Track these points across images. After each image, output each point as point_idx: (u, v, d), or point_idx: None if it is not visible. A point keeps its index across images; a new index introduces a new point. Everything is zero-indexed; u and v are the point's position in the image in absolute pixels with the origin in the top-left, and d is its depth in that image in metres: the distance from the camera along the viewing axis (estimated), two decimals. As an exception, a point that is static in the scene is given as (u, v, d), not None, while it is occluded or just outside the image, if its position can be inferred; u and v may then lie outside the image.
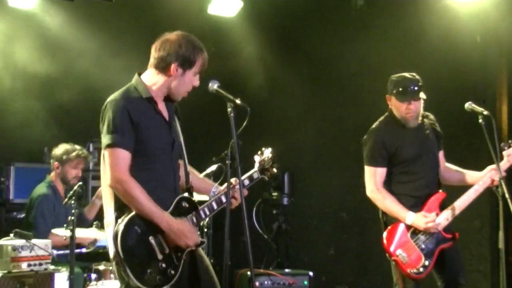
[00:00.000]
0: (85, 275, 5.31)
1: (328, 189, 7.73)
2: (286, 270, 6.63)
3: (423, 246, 4.42)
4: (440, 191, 4.62)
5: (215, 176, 5.21)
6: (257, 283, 6.14)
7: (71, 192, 4.81)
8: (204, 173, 5.29)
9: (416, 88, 4.53)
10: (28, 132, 6.79)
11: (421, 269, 4.38)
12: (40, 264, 4.89)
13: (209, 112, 6.62)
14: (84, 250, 5.40)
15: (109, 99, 3.47)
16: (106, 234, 3.43)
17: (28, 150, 6.87)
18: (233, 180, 3.63)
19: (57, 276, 4.97)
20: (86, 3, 6.67)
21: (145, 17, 7.03)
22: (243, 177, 3.72)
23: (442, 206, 4.55)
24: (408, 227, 4.45)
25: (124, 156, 3.37)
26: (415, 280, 4.40)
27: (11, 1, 6.34)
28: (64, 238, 4.82)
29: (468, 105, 4.63)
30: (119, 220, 3.34)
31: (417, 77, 4.61)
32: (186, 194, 3.62)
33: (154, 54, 3.55)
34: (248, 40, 7.56)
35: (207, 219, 5.40)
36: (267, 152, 3.95)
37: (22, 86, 6.79)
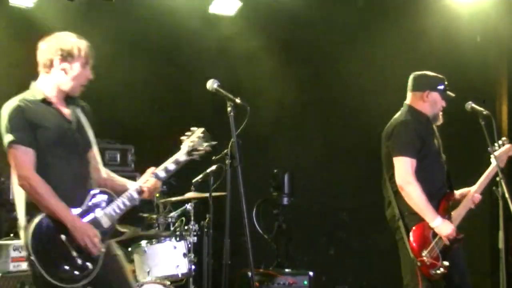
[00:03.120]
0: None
1: (328, 189, 7.73)
2: (286, 270, 6.62)
3: (441, 247, 4.41)
4: (449, 190, 4.61)
5: (215, 176, 5.21)
6: (257, 283, 6.14)
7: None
8: (204, 173, 5.30)
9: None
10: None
11: (442, 269, 4.37)
12: (40, 264, 4.88)
13: (209, 111, 6.62)
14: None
15: (4, 105, 3.54)
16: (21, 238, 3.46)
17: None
18: (150, 170, 3.67)
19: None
20: (86, 3, 6.67)
21: (146, 17, 7.02)
22: (166, 162, 3.69)
23: (452, 206, 4.56)
24: (430, 227, 4.42)
25: (28, 152, 3.41)
26: (434, 280, 4.38)
27: None
28: None
29: (468, 105, 4.63)
30: (30, 223, 3.36)
31: None
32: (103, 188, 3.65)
33: (38, 59, 3.65)
34: (247, 39, 7.55)
35: (207, 219, 5.41)
36: (198, 132, 3.75)
37: (22, 85, 6.76)
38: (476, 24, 6.40)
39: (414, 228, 4.42)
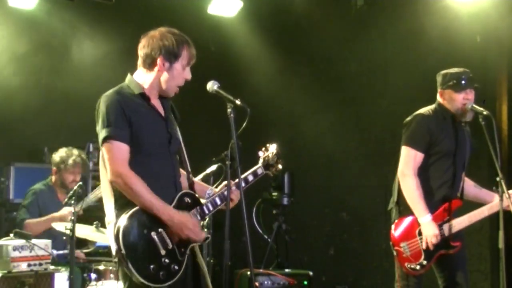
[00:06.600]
0: (85, 275, 5.31)
1: (328, 189, 7.73)
2: (286, 270, 6.63)
3: (425, 246, 4.43)
4: (459, 197, 4.57)
5: (215, 176, 5.21)
6: (257, 283, 6.14)
7: (71, 192, 4.82)
8: (204, 173, 5.29)
9: (470, 75, 4.59)
10: (28, 132, 6.79)
11: (418, 267, 4.43)
12: (40, 264, 4.89)
13: (209, 112, 6.62)
14: (84, 250, 5.40)
15: (102, 95, 3.46)
16: (107, 233, 3.41)
17: (28, 150, 6.87)
18: (233, 182, 3.62)
19: (57, 276, 4.97)
20: (86, 3, 6.67)
21: (145, 17, 7.02)
22: (246, 173, 3.72)
23: (455, 214, 4.52)
24: (419, 223, 4.45)
25: (122, 148, 3.34)
26: (415, 276, 4.43)
27: (11, 1, 6.34)
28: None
29: (468, 105, 4.63)
30: (120, 217, 3.31)
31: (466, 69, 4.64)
32: (188, 190, 3.59)
33: (140, 52, 3.54)
34: (248, 40, 7.56)
35: (207, 218, 5.41)
36: (272, 148, 3.91)
37: (22, 85, 6.78)
38: (476, 24, 6.39)
39: (400, 218, 4.49)
